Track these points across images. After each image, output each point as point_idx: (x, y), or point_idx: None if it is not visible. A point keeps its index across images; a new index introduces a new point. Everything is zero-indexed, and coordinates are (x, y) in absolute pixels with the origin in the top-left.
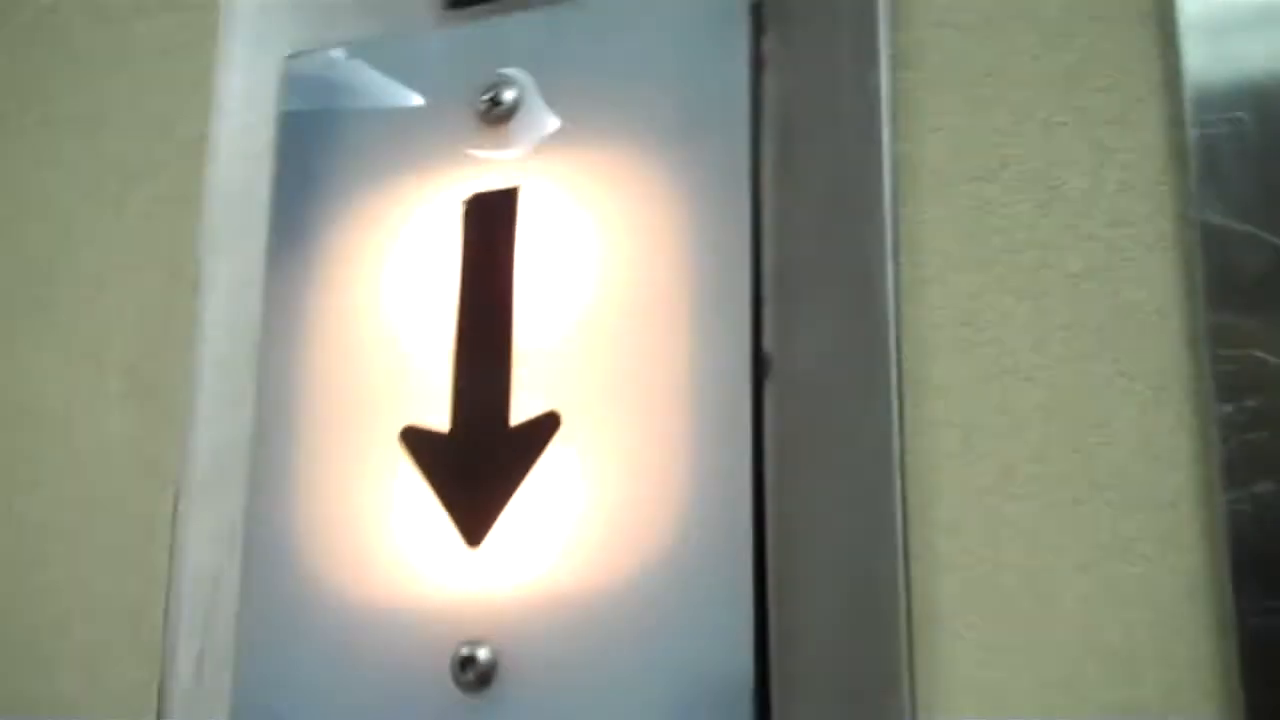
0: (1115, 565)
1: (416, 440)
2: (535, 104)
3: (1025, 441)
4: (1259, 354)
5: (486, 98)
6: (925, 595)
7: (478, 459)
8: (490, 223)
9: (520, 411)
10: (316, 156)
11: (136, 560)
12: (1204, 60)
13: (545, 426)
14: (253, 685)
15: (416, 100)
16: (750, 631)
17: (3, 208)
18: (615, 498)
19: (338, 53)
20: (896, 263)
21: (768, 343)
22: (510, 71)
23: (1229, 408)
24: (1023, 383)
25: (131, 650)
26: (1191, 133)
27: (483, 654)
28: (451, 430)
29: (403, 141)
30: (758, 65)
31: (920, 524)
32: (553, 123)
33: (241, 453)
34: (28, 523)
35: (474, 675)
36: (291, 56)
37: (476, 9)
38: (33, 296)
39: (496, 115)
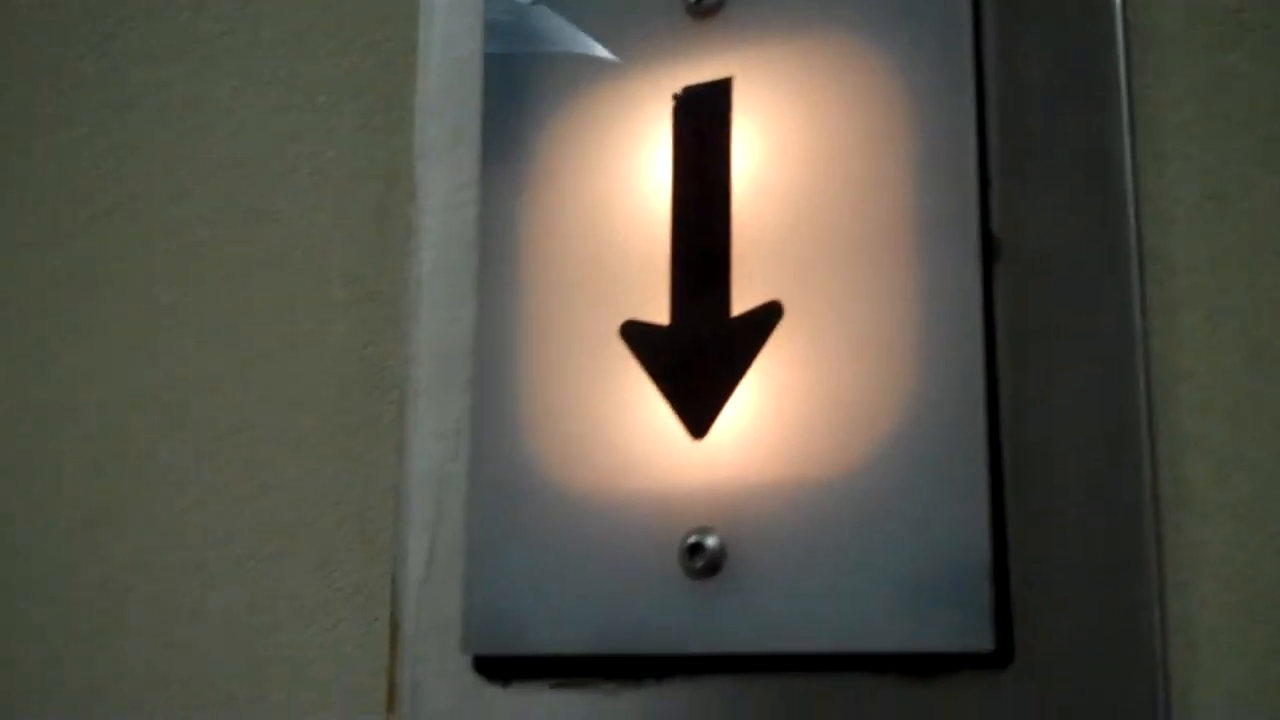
0: None
1: (637, 334)
2: None
3: (1275, 319)
4: None
5: None
6: (1173, 477)
7: (699, 350)
8: (703, 116)
9: (741, 303)
10: (523, 60)
11: (363, 462)
12: None
13: (768, 316)
14: (483, 580)
15: None
16: (985, 514)
17: (221, 126)
18: (842, 385)
19: None
20: (1133, 137)
21: (996, 225)
22: None
23: None
24: (1272, 258)
25: (361, 552)
26: None
27: (711, 541)
28: (671, 323)
29: (610, 40)
30: None
31: (1166, 405)
32: (763, 11)
33: (463, 354)
34: (257, 432)
35: (703, 562)
36: None
37: None
38: (255, 209)
39: (705, 7)
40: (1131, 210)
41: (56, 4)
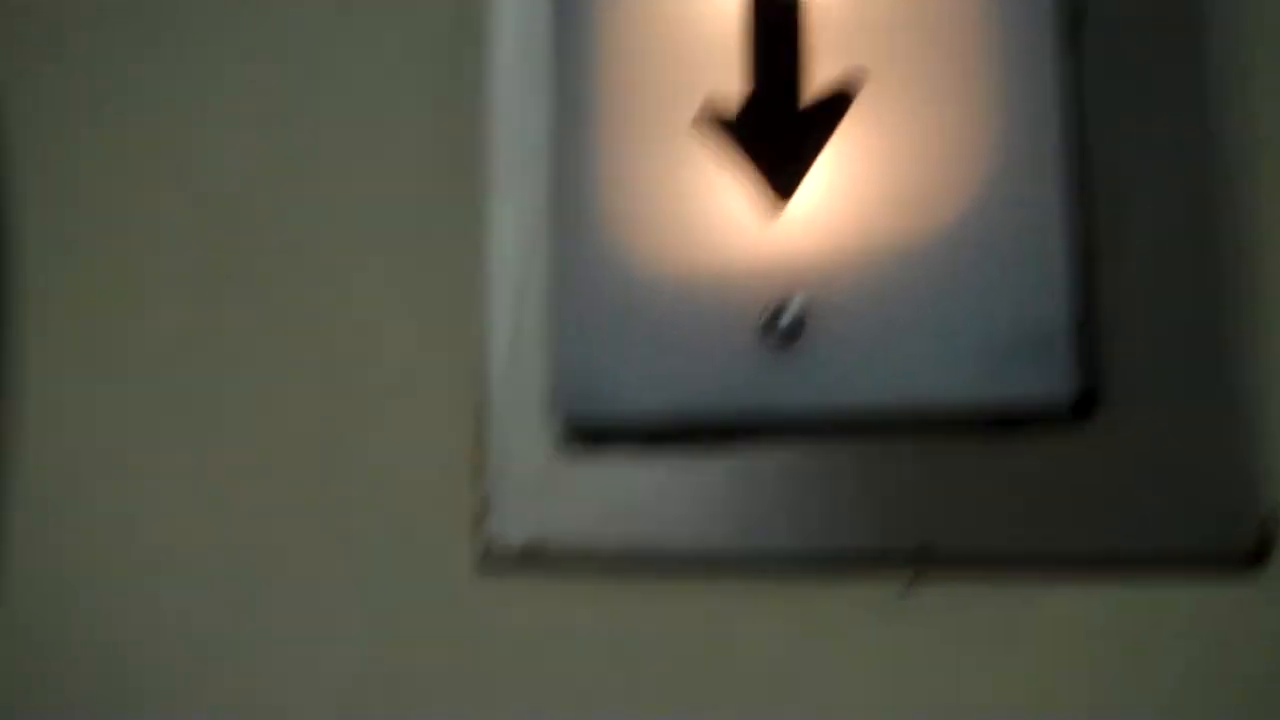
0: None
1: (712, 117)
2: None
3: None
4: None
5: None
6: (1259, 241)
7: (781, 121)
8: None
9: (822, 71)
10: None
11: (446, 256)
12: None
13: (849, 84)
14: (570, 351)
15: None
16: (1066, 278)
17: None
18: (923, 154)
19: None
20: None
21: None
22: None
23: None
24: None
25: (449, 339)
26: None
27: (790, 310)
28: (750, 99)
29: None
30: None
31: (1248, 171)
32: None
33: (542, 142)
34: (338, 229)
35: (783, 329)
36: None
37: None
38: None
39: None
40: None
41: None
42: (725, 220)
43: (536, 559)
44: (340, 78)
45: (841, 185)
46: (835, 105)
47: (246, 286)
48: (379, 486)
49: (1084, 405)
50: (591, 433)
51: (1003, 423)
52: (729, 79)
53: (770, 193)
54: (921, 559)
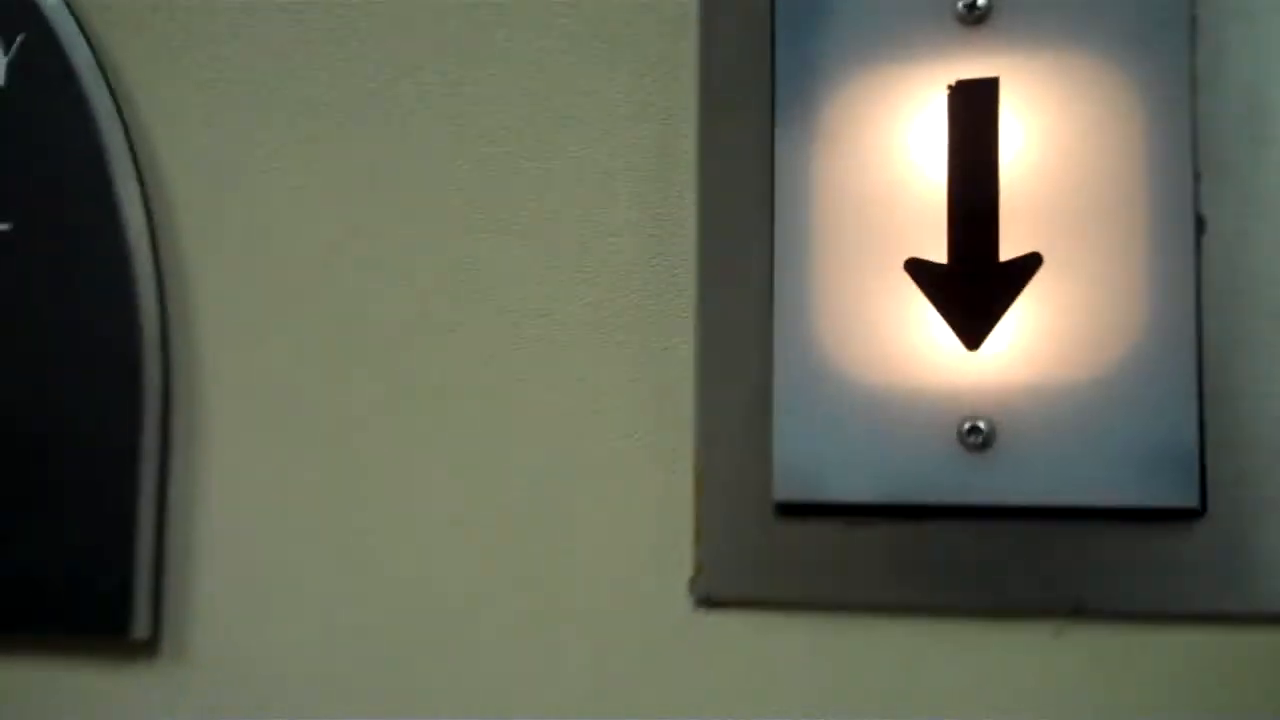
0: None
1: (920, 269)
2: (1006, 10)
3: None
4: None
5: (964, 4)
6: None
7: (974, 283)
8: (974, 103)
9: (1007, 251)
10: (813, 40)
11: (663, 346)
12: None
13: (1030, 263)
14: (790, 443)
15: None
16: (1195, 412)
17: (515, 72)
18: (1086, 319)
19: None
20: None
21: (1202, 208)
22: None
23: None
24: None
25: (657, 419)
26: None
27: (983, 424)
28: (950, 262)
29: (890, 34)
30: None
31: None
32: (1021, 25)
33: (751, 262)
34: (568, 329)
35: (979, 439)
36: None
37: None
38: (541, 141)
39: (974, 18)
40: None
41: None
42: (929, 350)
43: (753, 606)
44: (558, 196)
45: (1026, 330)
46: (1021, 275)
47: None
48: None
49: (1200, 506)
50: (801, 509)
51: (1140, 516)
52: (931, 243)
53: (965, 335)
54: (1075, 611)
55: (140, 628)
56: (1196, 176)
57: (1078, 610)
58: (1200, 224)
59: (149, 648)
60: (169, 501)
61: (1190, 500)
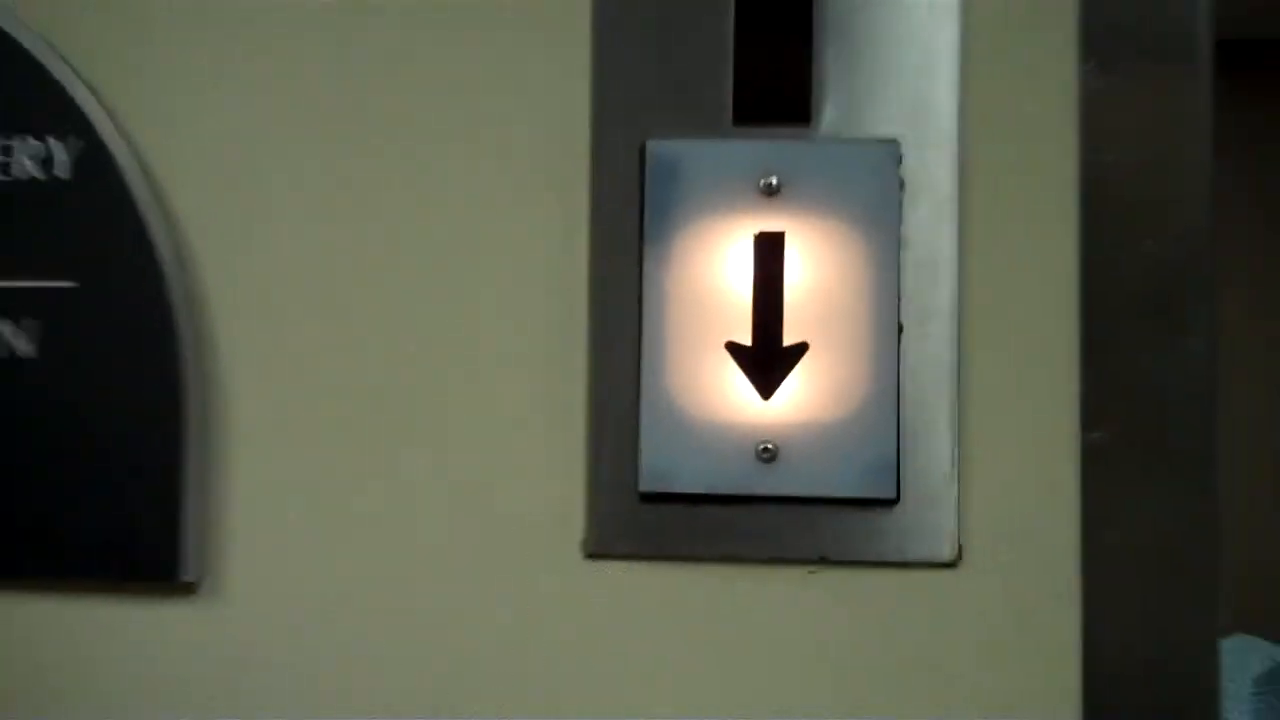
0: None
1: (734, 348)
2: (791, 189)
3: None
4: None
5: (764, 183)
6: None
7: (767, 359)
8: (770, 247)
9: (789, 339)
10: (669, 198)
11: (566, 392)
12: None
13: (802, 348)
14: (651, 463)
15: (723, 179)
16: (894, 440)
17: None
18: (834, 383)
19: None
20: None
21: (902, 319)
22: (777, 169)
23: None
24: None
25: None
26: None
27: (771, 445)
28: (753, 345)
29: (715, 198)
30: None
31: None
32: (801, 199)
33: (635, 333)
34: (483, 377)
35: (768, 455)
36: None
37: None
38: (457, 282)
39: (770, 191)
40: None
41: None
42: (736, 396)
43: (625, 558)
44: (478, 275)
45: (799, 388)
46: (796, 354)
47: (417, 424)
48: (509, 529)
49: (897, 497)
50: (658, 496)
51: (863, 503)
52: (740, 331)
53: (761, 389)
54: (821, 560)
55: (187, 571)
56: (899, 298)
57: (823, 559)
58: (900, 328)
59: (191, 589)
60: (209, 460)
61: (891, 493)
